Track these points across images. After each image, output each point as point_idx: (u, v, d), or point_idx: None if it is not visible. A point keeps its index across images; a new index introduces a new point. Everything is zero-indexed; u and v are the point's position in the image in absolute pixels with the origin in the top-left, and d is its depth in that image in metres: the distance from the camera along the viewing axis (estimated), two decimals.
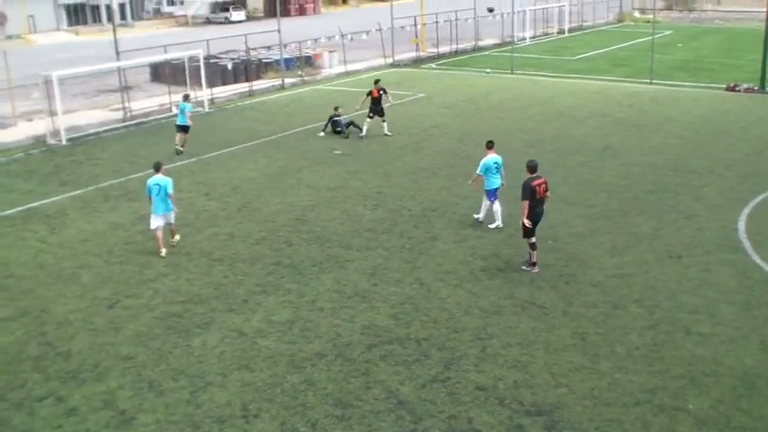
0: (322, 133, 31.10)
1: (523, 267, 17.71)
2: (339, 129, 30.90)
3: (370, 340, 14.52)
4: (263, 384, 13.16)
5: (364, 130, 30.33)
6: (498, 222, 20.15)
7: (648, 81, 43.30)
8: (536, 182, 17.18)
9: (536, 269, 17.53)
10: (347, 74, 45.99)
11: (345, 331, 14.88)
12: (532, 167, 17.34)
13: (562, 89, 41.57)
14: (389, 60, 49.52)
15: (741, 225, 20.49)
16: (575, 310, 15.69)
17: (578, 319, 15.27)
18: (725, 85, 41.81)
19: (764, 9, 43.67)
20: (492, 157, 19.85)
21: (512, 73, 46.58)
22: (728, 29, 75.09)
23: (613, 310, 15.67)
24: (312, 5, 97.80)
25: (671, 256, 18.47)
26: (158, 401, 12.79)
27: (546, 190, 17.41)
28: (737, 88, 40.94)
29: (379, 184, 24.05)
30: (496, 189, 20.00)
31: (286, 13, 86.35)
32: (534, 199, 17.11)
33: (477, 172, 19.95)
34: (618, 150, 28.20)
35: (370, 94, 30.23)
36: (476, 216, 20.75)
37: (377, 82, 30.66)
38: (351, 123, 30.92)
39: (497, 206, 20.10)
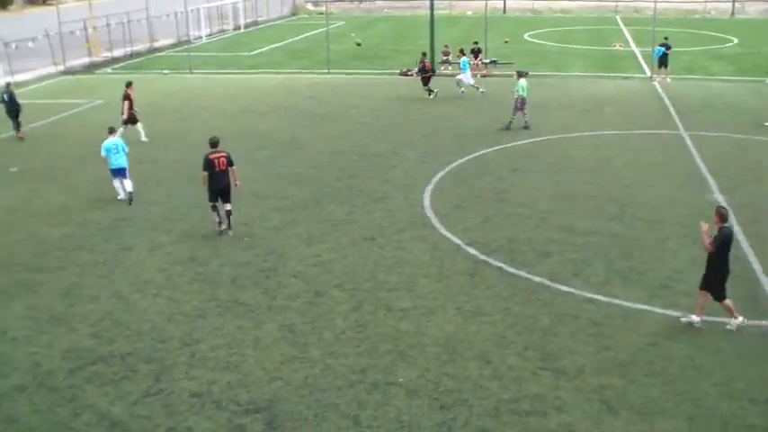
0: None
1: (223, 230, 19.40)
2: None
3: (72, 364, 13.71)
4: None
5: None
6: (124, 195, 22.01)
7: (326, 71, 44.49)
8: (214, 155, 18.93)
9: (222, 227, 19.33)
10: (16, 85, 43.15)
11: (45, 359, 13.94)
12: (212, 142, 19.18)
13: (243, 85, 41.73)
14: (61, 68, 47.21)
15: (426, 201, 21.58)
16: (279, 303, 15.77)
17: (284, 312, 15.36)
18: (398, 71, 43.89)
19: None
20: (111, 141, 21.85)
21: (191, 72, 46.07)
22: (397, 17, 78.89)
23: (316, 298, 15.93)
24: None
25: (365, 239, 19.09)
26: None
27: (229, 163, 19.06)
28: (410, 73, 43.10)
29: (62, 200, 22.74)
30: (120, 168, 21.85)
31: None
32: (214, 170, 18.85)
33: (101, 154, 21.77)
34: (304, 141, 28.72)
35: (127, 97, 28.48)
36: (124, 197, 22.12)
37: (129, 85, 28.94)
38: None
39: (128, 183, 21.97)
